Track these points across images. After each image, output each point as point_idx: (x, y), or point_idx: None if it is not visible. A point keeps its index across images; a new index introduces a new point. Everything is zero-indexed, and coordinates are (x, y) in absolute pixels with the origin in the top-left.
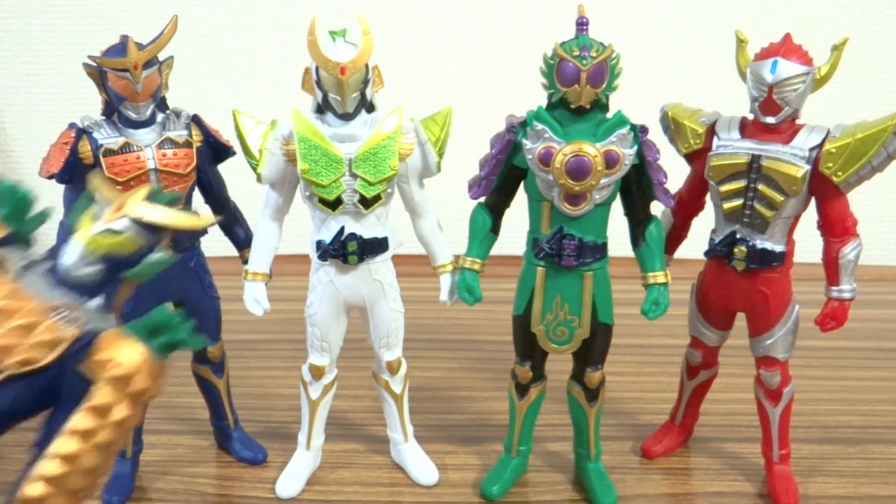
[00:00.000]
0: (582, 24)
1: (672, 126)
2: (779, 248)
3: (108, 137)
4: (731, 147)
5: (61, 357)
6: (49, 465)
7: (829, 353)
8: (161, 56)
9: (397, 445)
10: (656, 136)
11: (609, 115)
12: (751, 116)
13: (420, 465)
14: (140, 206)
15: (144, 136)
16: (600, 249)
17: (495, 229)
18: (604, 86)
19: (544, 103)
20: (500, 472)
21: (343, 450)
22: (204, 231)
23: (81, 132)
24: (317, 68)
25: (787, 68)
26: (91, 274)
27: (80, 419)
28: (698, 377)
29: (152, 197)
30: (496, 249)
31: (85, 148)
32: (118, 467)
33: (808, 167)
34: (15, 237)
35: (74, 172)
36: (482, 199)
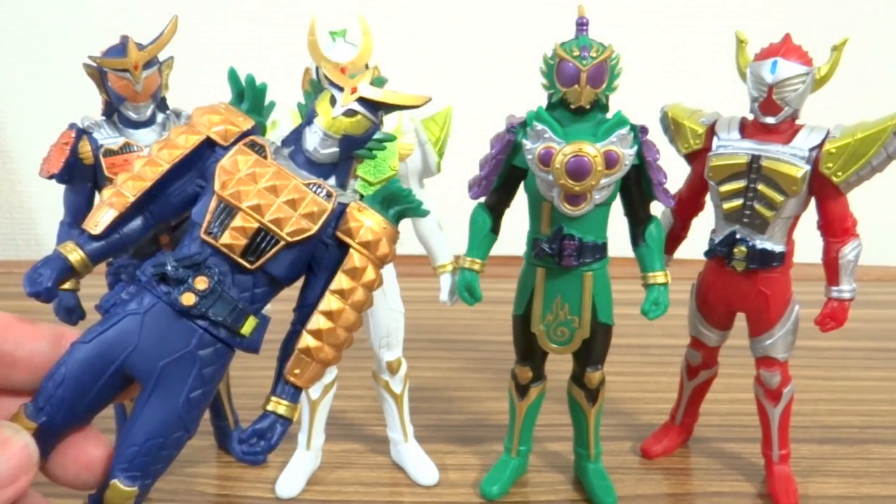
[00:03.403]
0: (582, 25)
1: (672, 126)
2: (779, 248)
3: (108, 138)
4: (731, 147)
5: (323, 226)
6: (318, 321)
7: (829, 353)
8: (161, 56)
9: (397, 445)
10: (656, 136)
11: (609, 115)
12: (751, 117)
13: (420, 465)
14: (369, 88)
15: (145, 137)
16: (600, 249)
17: (495, 229)
18: (604, 86)
19: (544, 103)
20: (500, 473)
21: (343, 450)
22: None
23: (81, 132)
24: (317, 68)
25: (787, 68)
26: (331, 154)
27: (339, 281)
28: (698, 377)
29: (374, 81)
30: (496, 249)
31: (85, 148)
32: None
33: (807, 167)
34: (258, 127)
35: (74, 172)
36: (482, 200)
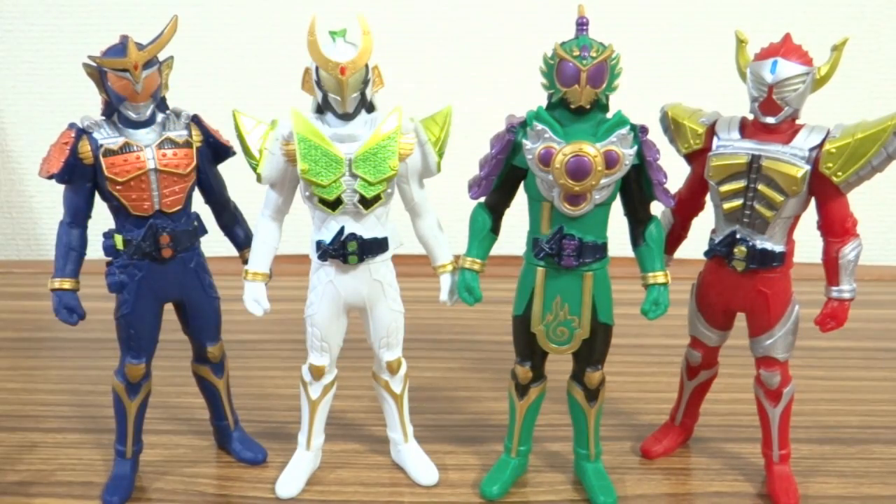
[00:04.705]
0: (582, 24)
1: (672, 126)
2: (779, 248)
3: (108, 137)
4: (731, 147)
5: None
6: None
7: (829, 353)
8: (161, 56)
9: (397, 445)
10: (656, 136)
11: (609, 115)
12: (751, 116)
13: (420, 466)
14: None
15: (144, 137)
16: (600, 249)
17: (495, 229)
18: (604, 86)
19: (544, 103)
20: (500, 473)
21: (343, 450)
22: (204, 231)
23: (81, 132)
24: (317, 68)
25: (787, 68)
26: None
27: None
28: (698, 377)
29: None
30: (496, 249)
31: (85, 148)
32: (118, 467)
33: (807, 167)
34: None
35: (74, 172)
36: (482, 200)
